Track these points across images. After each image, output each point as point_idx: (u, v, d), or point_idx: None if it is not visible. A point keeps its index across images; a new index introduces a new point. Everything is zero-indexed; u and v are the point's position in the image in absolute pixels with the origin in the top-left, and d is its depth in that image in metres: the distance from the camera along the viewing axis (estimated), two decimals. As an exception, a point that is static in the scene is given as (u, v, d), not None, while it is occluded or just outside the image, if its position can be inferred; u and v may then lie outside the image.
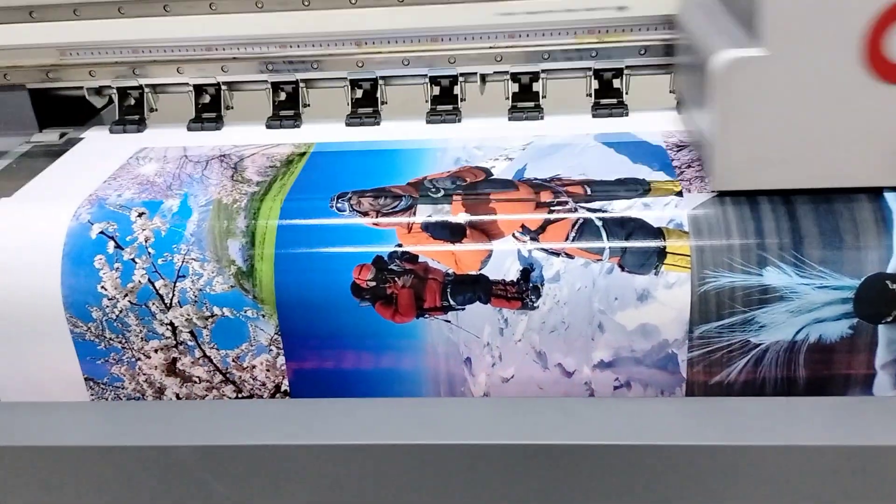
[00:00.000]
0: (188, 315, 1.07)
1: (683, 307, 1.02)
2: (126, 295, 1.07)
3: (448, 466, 1.00)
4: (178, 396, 1.12)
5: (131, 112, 1.39)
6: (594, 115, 1.32)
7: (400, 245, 1.05)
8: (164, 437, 1.02)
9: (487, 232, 1.05)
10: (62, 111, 1.43)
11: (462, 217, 1.06)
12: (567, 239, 1.03)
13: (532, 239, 1.04)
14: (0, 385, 1.12)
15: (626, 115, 1.32)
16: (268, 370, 1.09)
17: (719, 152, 1.01)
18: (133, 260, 1.07)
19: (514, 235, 1.04)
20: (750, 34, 0.98)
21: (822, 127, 0.99)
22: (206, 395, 1.12)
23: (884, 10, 0.95)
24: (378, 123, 1.35)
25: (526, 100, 1.34)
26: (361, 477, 1.00)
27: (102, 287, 1.07)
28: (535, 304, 1.04)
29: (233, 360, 1.09)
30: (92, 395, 1.13)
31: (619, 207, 1.05)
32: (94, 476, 1.03)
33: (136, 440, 1.02)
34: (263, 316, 1.06)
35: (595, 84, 1.34)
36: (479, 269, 1.04)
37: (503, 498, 1.00)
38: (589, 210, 1.05)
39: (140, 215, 1.11)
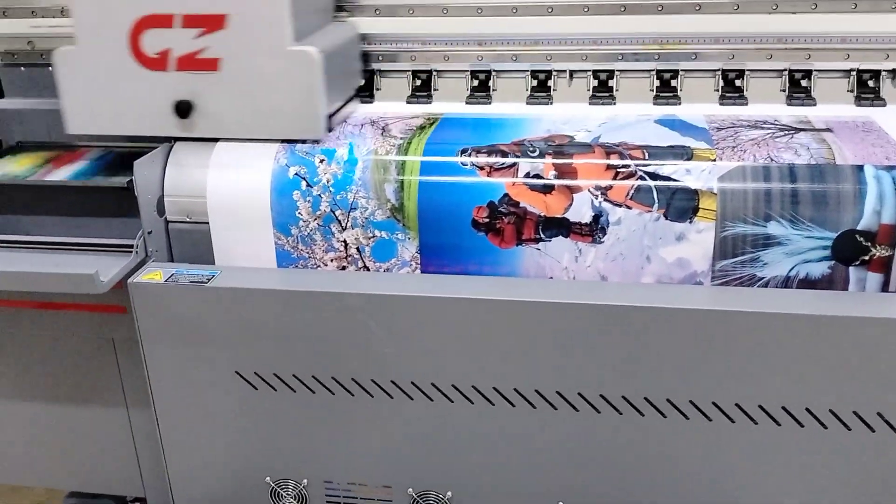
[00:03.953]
0: (357, 235, 1.43)
1: (709, 247, 1.33)
2: (315, 219, 1.43)
3: (533, 319, 1.33)
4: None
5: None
6: (655, 104, 1.62)
7: (507, 194, 1.38)
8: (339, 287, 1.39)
9: (570, 187, 1.38)
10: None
11: (552, 174, 1.39)
12: (627, 196, 1.35)
13: (602, 194, 1.36)
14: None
15: (679, 104, 1.62)
16: (409, 278, 1.44)
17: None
18: (319, 195, 1.43)
19: (589, 191, 1.37)
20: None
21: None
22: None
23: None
24: (489, 103, 1.67)
25: (603, 91, 1.65)
26: (468, 322, 1.35)
27: (299, 213, 1.43)
28: (602, 240, 1.36)
29: (384, 271, 1.44)
30: (283, 289, 1.49)
31: (668, 171, 1.36)
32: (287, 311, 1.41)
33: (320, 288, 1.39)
34: (409, 238, 1.41)
35: (657, 82, 1.64)
36: (563, 213, 1.37)
37: (580, 347, 1.32)
38: (645, 173, 1.36)
39: (321, 161, 1.45)
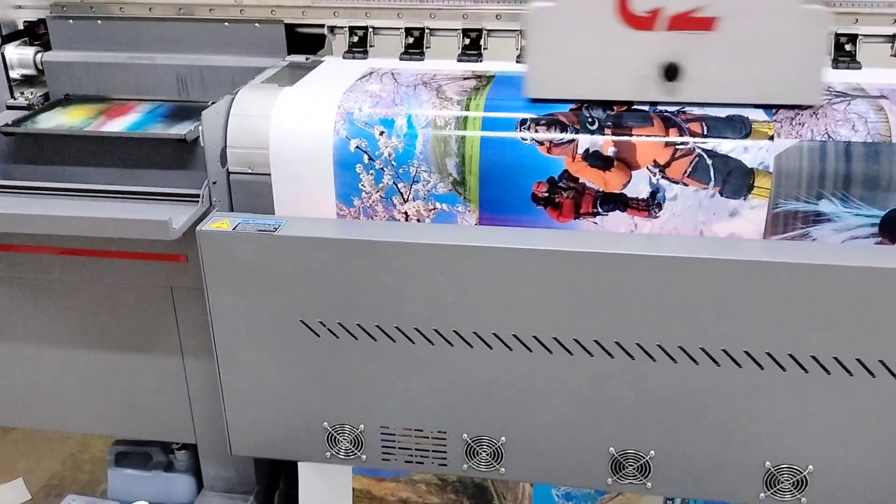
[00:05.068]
0: (418, 208, 1.44)
1: (760, 222, 1.36)
2: (378, 191, 1.44)
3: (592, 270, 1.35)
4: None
5: (357, 45, 1.71)
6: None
7: (566, 170, 1.39)
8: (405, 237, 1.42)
9: (629, 163, 1.38)
10: (299, 43, 1.77)
11: (611, 151, 1.39)
12: (684, 173, 1.36)
13: (660, 171, 1.37)
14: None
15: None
16: (468, 247, 1.46)
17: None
18: (382, 168, 1.43)
19: (647, 168, 1.38)
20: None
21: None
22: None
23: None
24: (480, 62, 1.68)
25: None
26: (529, 272, 1.38)
27: (362, 185, 1.44)
28: (658, 215, 1.38)
29: (444, 239, 1.46)
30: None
31: (726, 148, 1.36)
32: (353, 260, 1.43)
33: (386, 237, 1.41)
34: (469, 211, 1.43)
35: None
36: (621, 189, 1.38)
37: (637, 298, 1.35)
38: (703, 150, 1.37)
39: (381, 133, 1.45)
